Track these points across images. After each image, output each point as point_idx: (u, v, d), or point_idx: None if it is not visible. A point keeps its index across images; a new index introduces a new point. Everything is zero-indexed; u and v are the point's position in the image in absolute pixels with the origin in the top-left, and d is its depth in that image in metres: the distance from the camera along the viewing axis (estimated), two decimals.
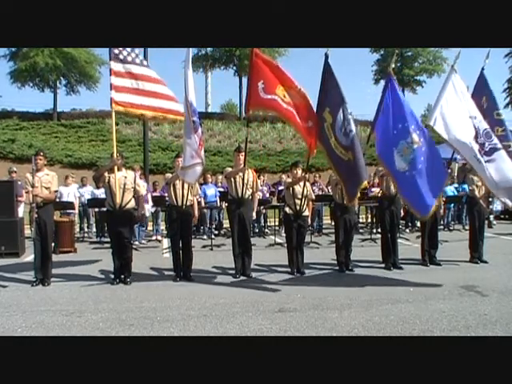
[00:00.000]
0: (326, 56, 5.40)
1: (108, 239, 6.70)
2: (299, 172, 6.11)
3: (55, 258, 6.34)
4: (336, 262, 6.33)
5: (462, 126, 5.36)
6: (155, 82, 5.92)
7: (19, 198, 7.80)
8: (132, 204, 5.67)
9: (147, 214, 9.30)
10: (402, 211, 7.21)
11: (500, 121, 6.15)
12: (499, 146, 5.39)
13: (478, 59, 6.49)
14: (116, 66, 5.68)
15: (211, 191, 9.62)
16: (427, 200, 5.11)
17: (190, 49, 5.51)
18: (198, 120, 5.43)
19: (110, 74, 5.66)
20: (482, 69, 6.29)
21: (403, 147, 5.09)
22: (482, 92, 6.24)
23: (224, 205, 9.24)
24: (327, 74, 5.43)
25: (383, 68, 33.00)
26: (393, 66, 5.80)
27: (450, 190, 10.61)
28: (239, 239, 5.89)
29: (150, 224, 10.13)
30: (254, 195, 6.10)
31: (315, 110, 5.46)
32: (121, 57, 5.71)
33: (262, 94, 5.34)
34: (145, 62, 6.01)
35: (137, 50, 5.88)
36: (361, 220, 11.46)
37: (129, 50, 5.77)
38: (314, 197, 6.54)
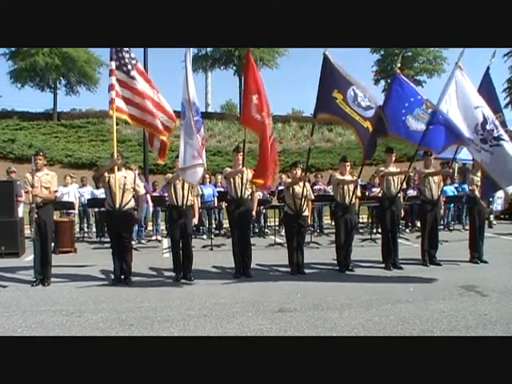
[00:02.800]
0: (325, 56, 5.40)
1: (108, 239, 6.70)
2: (299, 172, 6.12)
3: (55, 258, 6.34)
4: (336, 262, 6.33)
5: (464, 121, 5.50)
6: (150, 93, 5.83)
7: (19, 198, 7.80)
8: (132, 204, 5.67)
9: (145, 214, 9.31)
10: (402, 211, 7.19)
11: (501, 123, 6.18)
12: (505, 136, 5.47)
13: (479, 59, 6.49)
14: (116, 68, 5.65)
15: (208, 191, 9.62)
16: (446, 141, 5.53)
17: (191, 48, 5.50)
18: (200, 119, 5.40)
19: (110, 75, 5.63)
20: (488, 68, 6.26)
21: (419, 113, 5.45)
22: (484, 92, 6.23)
23: (224, 205, 9.24)
24: (328, 71, 5.45)
25: (383, 68, 33.05)
26: (399, 65, 5.84)
27: (450, 189, 10.61)
28: (239, 239, 5.89)
29: (150, 224, 10.14)
30: (254, 195, 6.10)
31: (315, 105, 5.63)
32: (117, 63, 5.64)
33: (252, 112, 5.50)
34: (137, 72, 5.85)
35: (133, 55, 5.75)
36: (361, 220, 11.45)
37: (127, 56, 5.66)
38: (313, 197, 6.54)
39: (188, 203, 5.77)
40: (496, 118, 5.77)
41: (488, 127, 5.43)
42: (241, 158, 5.84)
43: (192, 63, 5.53)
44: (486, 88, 6.23)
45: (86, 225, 10.24)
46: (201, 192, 7.69)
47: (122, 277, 5.56)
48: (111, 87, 5.59)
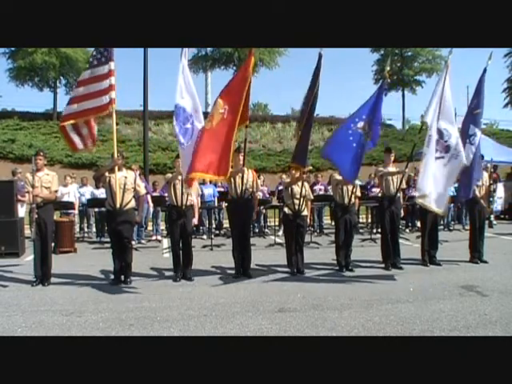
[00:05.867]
0: (320, 56, 5.40)
1: (108, 239, 6.70)
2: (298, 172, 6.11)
3: (55, 258, 6.34)
4: (336, 262, 6.33)
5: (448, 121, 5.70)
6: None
7: (21, 197, 7.77)
8: (132, 204, 5.66)
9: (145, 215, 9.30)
10: (402, 211, 7.20)
11: (474, 119, 6.30)
12: (453, 150, 5.70)
13: (477, 59, 6.51)
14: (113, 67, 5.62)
15: (209, 191, 9.63)
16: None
17: (186, 51, 5.47)
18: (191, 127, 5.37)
19: (109, 75, 5.60)
20: (485, 69, 6.26)
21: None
22: (479, 92, 6.26)
23: (224, 205, 9.24)
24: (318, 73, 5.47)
25: (383, 67, 33.06)
26: (388, 68, 5.80)
27: (450, 189, 10.59)
28: (239, 239, 5.89)
29: (150, 224, 10.13)
30: (254, 195, 6.10)
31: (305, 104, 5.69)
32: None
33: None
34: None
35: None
36: (361, 220, 11.45)
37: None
38: (312, 197, 6.55)
39: (188, 203, 5.77)
40: (474, 114, 6.10)
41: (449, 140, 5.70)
42: (242, 158, 5.84)
43: (192, 63, 5.51)
44: (480, 89, 6.29)
45: (86, 225, 10.24)
46: (201, 192, 7.68)
47: (122, 277, 5.56)
48: (111, 87, 5.56)
